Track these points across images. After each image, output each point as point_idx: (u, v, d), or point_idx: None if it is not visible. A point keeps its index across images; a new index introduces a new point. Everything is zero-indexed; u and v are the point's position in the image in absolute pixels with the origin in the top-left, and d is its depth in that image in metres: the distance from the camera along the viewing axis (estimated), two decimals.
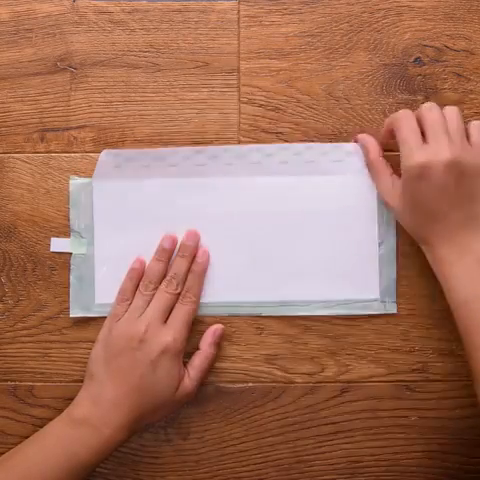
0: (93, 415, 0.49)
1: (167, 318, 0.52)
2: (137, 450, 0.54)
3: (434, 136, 0.48)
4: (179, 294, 0.52)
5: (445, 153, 0.47)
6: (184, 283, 0.52)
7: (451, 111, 0.49)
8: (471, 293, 0.47)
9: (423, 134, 0.48)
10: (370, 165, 0.53)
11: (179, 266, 0.53)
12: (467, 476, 0.53)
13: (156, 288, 0.52)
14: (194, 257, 0.53)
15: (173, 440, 0.54)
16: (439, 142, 0.47)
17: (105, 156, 0.53)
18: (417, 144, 0.48)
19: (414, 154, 0.47)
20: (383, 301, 0.54)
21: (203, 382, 0.53)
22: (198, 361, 0.52)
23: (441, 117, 0.48)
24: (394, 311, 0.54)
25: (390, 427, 0.54)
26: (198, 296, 0.53)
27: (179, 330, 0.51)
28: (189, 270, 0.53)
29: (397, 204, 0.50)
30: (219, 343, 0.54)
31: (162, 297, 0.52)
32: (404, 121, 0.49)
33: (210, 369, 0.53)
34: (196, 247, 0.53)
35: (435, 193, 0.48)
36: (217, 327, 0.53)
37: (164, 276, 0.52)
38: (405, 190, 0.49)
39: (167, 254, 0.53)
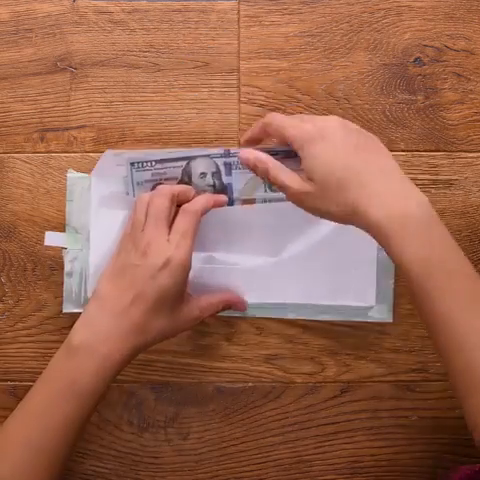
0: (89, 337, 0.46)
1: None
2: (137, 450, 0.54)
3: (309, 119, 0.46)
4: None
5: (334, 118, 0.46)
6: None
7: None
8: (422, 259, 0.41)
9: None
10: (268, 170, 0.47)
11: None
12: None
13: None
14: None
15: (173, 440, 0.54)
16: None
17: (108, 155, 0.53)
18: (299, 120, 0.46)
19: (303, 124, 0.45)
20: (379, 309, 0.54)
21: (203, 382, 0.53)
22: (206, 300, 0.51)
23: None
24: (390, 320, 0.54)
25: (390, 427, 0.54)
26: (203, 211, 0.50)
27: (183, 234, 0.48)
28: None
29: (310, 187, 0.45)
30: (220, 310, 0.52)
31: (161, 199, 0.49)
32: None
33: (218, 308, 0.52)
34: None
35: (341, 151, 0.44)
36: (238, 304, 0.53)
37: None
38: (308, 164, 0.44)
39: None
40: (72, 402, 0.46)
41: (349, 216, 0.44)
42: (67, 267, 0.54)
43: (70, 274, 0.54)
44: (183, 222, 0.49)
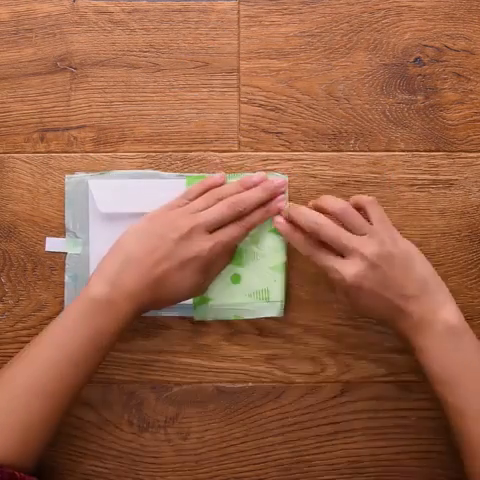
0: (112, 292, 0.47)
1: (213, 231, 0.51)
2: (137, 450, 0.54)
3: (348, 246, 0.48)
4: (237, 219, 0.51)
5: (366, 254, 0.47)
6: (249, 214, 0.51)
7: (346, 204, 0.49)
8: (449, 373, 0.47)
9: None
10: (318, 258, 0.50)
11: (254, 196, 0.51)
12: (466, 476, 0.53)
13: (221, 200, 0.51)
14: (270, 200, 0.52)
15: (173, 440, 0.54)
16: (356, 248, 0.47)
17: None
18: (337, 261, 0.48)
19: (343, 273, 0.47)
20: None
21: (203, 382, 0.53)
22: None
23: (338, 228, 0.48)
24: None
25: (390, 427, 0.54)
26: (252, 227, 0.52)
27: (220, 243, 0.50)
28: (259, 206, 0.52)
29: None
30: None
31: (221, 208, 0.50)
32: (320, 254, 0.49)
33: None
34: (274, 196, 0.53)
35: (379, 291, 0.47)
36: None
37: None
38: (353, 299, 0.49)
39: (249, 187, 0.52)
40: (94, 349, 0.47)
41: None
42: (68, 271, 0.54)
43: (71, 278, 0.54)
44: (235, 230, 0.51)
